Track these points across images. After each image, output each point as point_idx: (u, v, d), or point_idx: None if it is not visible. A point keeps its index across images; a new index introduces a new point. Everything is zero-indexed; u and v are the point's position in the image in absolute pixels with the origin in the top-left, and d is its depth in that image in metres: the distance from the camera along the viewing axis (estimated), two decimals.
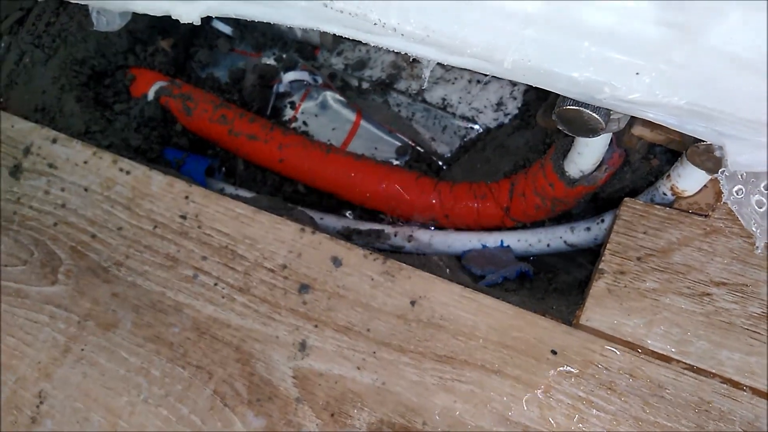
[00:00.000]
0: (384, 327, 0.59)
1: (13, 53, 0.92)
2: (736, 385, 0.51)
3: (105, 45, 0.90)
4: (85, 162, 0.77)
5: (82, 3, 0.62)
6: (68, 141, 0.79)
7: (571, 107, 0.45)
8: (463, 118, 0.80)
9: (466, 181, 0.73)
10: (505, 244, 0.70)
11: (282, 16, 0.46)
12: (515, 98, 0.79)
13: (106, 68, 0.90)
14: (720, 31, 0.32)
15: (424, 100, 0.83)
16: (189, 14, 0.51)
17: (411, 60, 0.84)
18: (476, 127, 0.80)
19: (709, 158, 0.41)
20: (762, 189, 0.45)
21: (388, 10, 0.38)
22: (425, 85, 0.47)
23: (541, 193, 0.65)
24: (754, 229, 0.46)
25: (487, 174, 0.75)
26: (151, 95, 0.89)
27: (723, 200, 0.46)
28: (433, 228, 0.74)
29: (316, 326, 0.61)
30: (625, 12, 0.33)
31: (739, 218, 0.47)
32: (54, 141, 0.79)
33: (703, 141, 0.41)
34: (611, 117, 0.46)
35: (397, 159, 0.81)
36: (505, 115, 0.78)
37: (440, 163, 0.80)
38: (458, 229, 0.73)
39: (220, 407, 0.60)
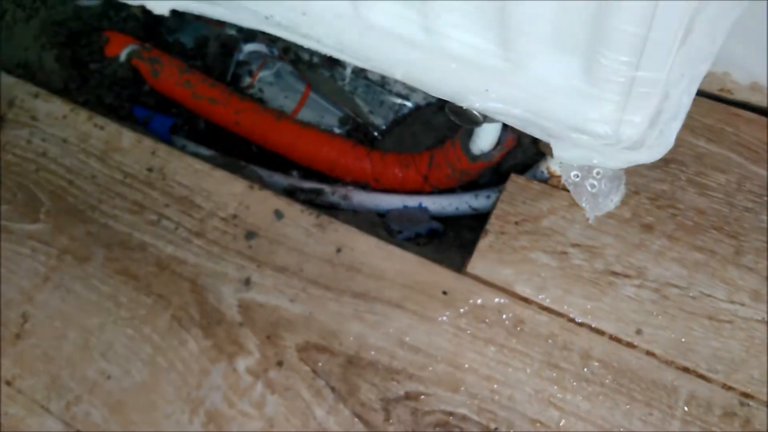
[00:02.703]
0: (314, 268, 0.73)
1: None
2: (578, 323, 0.67)
3: (81, 8, 1.00)
4: (64, 116, 0.87)
5: None
6: (49, 96, 0.89)
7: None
8: (398, 95, 0.93)
9: (394, 152, 0.87)
10: (423, 206, 0.84)
11: (238, 19, 0.58)
12: None
13: (82, 30, 1.00)
14: (537, 66, 0.45)
15: (366, 77, 0.95)
16: (160, 8, 0.62)
17: None
18: (408, 104, 0.93)
19: (551, 150, 0.55)
20: (594, 175, 0.59)
21: (313, 27, 0.51)
22: (347, 80, 0.58)
23: (451, 165, 0.79)
24: (584, 204, 0.61)
25: (413, 146, 0.89)
26: (123, 57, 0.99)
27: (562, 182, 0.60)
28: (364, 190, 0.87)
29: (258, 266, 0.75)
30: (480, 49, 0.46)
31: (573, 195, 0.61)
32: (36, 96, 0.90)
33: None
34: None
35: (339, 128, 0.93)
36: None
37: (375, 133, 0.93)
38: (385, 191, 0.87)
39: (176, 328, 0.74)
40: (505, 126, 0.74)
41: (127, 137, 0.85)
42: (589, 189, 0.59)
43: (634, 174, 0.70)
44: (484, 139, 0.72)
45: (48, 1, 0.97)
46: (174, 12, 0.79)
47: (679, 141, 0.71)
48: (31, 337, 0.77)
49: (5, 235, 0.82)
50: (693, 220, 0.68)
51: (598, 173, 0.58)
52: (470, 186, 0.85)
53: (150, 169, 0.82)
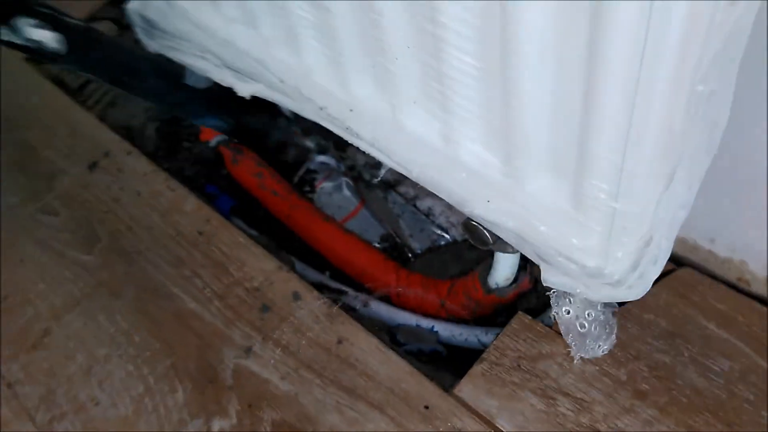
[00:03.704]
0: (311, 353, 0.76)
1: None
2: None
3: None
4: (145, 174, 0.99)
5: (181, 61, 0.86)
6: (138, 156, 1.02)
7: (473, 222, 0.63)
8: (440, 227, 0.99)
9: (421, 274, 0.91)
10: (434, 330, 0.87)
11: (300, 109, 0.67)
12: None
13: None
14: (532, 185, 0.50)
15: (414, 205, 1.02)
16: (244, 91, 0.74)
17: None
18: (447, 236, 0.98)
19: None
20: (585, 315, 0.60)
21: (355, 122, 0.59)
22: (380, 175, 0.65)
23: (468, 294, 0.82)
24: (570, 341, 0.62)
25: (439, 273, 0.93)
26: (213, 143, 1.12)
27: (552, 312, 0.62)
28: (384, 302, 0.91)
29: (263, 339, 0.78)
30: (487, 162, 0.52)
31: (561, 330, 0.63)
32: (128, 153, 1.02)
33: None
34: (500, 239, 0.64)
35: (378, 243, 1.00)
36: None
37: (410, 255, 0.98)
38: (404, 307, 0.90)
39: (171, 376, 0.77)
40: (522, 268, 0.78)
41: (190, 203, 0.94)
42: (579, 328, 0.60)
43: (637, 340, 0.71)
44: (501, 273, 0.76)
45: None
46: (260, 110, 0.91)
47: (689, 319, 0.72)
48: (45, 350, 0.82)
49: (58, 258, 0.91)
50: (689, 398, 0.67)
51: (589, 314, 0.60)
52: (484, 323, 0.87)
53: (200, 233, 0.90)
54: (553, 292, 0.59)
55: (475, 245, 0.67)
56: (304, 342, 0.77)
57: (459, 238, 0.98)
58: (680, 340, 0.71)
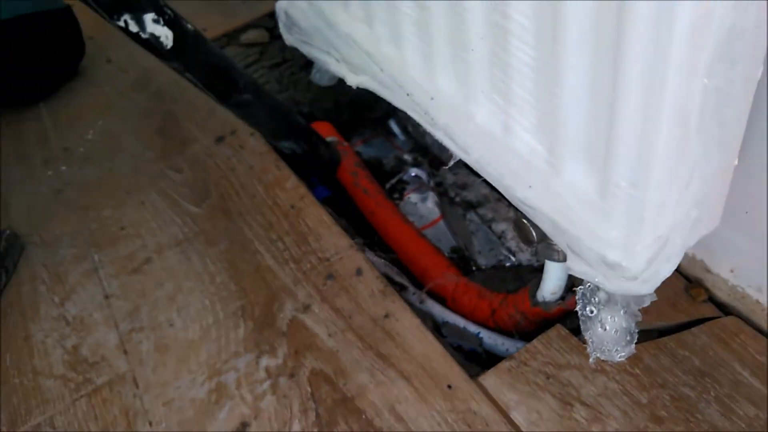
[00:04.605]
0: (359, 320, 0.84)
1: (261, 81, 1.35)
2: None
3: (317, 99, 1.30)
4: (260, 153, 1.13)
5: (312, 57, 1.00)
6: (259, 138, 1.16)
7: (523, 219, 0.69)
8: (508, 249, 1.05)
9: (479, 284, 0.97)
10: (479, 335, 0.92)
11: (393, 98, 0.78)
12: None
13: (309, 112, 1.30)
14: (568, 174, 0.56)
15: (489, 227, 1.08)
16: (353, 81, 0.85)
17: (496, 199, 1.11)
18: (513, 258, 1.03)
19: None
20: (608, 318, 0.63)
21: (433, 109, 0.68)
22: (451, 163, 0.71)
23: (516, 305, 0.87)
24: (588, 338, 0.65)
25: (497, 288, 0.98)
26: None
27: (575, 309, 0.65)
28: (440, 303, 0.97)
29: (321, 300, 0.87)
30: (533, 150, 0.59)
31: (582, 329, 0.66)
32: (251, 134, 1.17)
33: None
34: (548, 243, 0.69)
35: (448, 254, 1.06)
36: (537, 261, 1.01)
37: (474, 268, 1.04)
38: (456, 312, 0.96)
39: (238, 315, 0.88)
40: (570, 290, 0.82)
41: (291, 181, 1.07)
42: (600, 329, 0.64)
43: (667, 371, 0.72)
44: (548, 286, 0.80)
45: (298, 85, 1.29)
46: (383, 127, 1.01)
47: (723, 363, 0.73)
48: (142, 276, 0.96)
49: (174, 207, 1.06)
50: None
51: (612, 318, 0.63)
52: (530, 339, 0.91)
53: (292, 207, 1.02)
54: (580, 289, 0.64)
55: (521, 241, 0.72)
56: (355, 310, 0.85)
57: (525, 262, 1.03)
58: (710, 379, 0.71)
